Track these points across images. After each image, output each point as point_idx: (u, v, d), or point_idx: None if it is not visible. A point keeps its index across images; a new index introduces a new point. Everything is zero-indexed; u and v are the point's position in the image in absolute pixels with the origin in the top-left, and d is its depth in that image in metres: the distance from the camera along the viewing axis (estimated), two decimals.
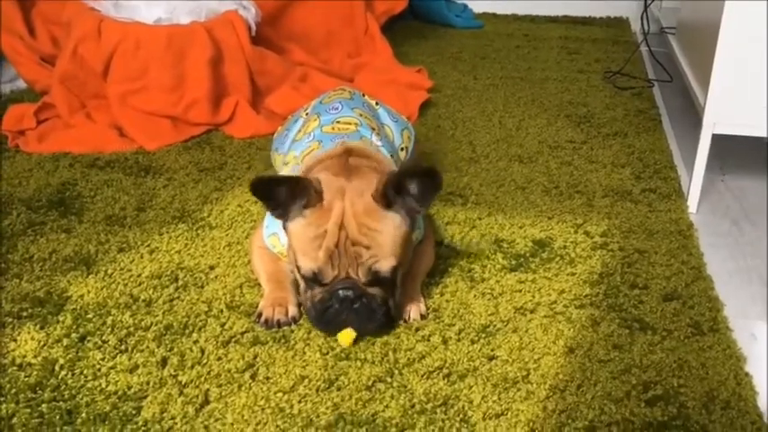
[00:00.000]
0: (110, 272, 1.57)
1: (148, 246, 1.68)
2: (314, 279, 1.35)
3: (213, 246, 1.68)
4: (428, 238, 1.61)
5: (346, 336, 1.34)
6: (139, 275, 1.56)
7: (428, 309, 1.46)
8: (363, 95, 1.90)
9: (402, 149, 1.87)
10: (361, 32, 2.98)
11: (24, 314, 1.42)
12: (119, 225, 1.77)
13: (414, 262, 1.53)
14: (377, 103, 1.91)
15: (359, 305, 1.33)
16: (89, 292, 1.49)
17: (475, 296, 1.51)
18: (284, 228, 1.40)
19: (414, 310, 1.43)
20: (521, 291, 1.52)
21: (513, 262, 1.63)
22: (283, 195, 1.34)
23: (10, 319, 1.40)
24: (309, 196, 1.34)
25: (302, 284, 1.40)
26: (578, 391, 1.24)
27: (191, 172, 2.07)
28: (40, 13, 2.52)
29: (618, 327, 1.41)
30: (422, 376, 1.27)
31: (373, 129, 1.71)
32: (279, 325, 1.39)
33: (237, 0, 2.43)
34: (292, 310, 1.42)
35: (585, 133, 2.38)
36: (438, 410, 1.20)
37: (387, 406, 1.21)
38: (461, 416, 1.18)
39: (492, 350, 1.34)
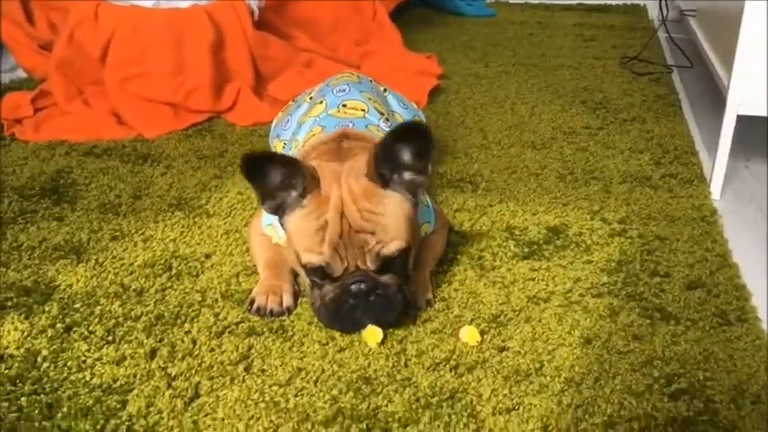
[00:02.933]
0: (101, 260, 1.50)
1: (143, 234, 1.61)
2: (322, 275, 1.26)
3: (210, 234, 1.61)
4: (440, 229, 1.53)
5: (372, 334, 1.25)
6: (132, 264, 1.49)
7: (435, 298, 1.38)
8: (372, 80, 1.83)
9: None
10: (368, 19, 2.90)
11: (9, 304, 1.35)
12: (113, 213, 1.70)
13: (423, 251, 1.45)
14: (385, 90, 1.83)
15: (374, 297, 1.24)
16: (78, 281, 1.42)
17: (485, 285, 1.42)
18: (281, 224, 1.32)
19: (420, 299, 1.35)
20: (534, 279, 1.44)
21: (526, 249, 1.54)
22: (277, 179, 1.25)
23: None
24: (305, 182, 1.25)
25: (308, 283, 1.31)
26: (596, 385, 1.16)
27: (190, 159, 2.00)
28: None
29: (638, 317, 1.32)
30: (428, 369, 1.19)
31: (382, 114, 1.63)
32: (272, 314, 1.32)
33: None
34: (287, 300, 1.34)
35: (602, 119, 2.29)
36: (444, 404, 1.11)
37: (390, 400, 1.13)
38: (469, 410, 1.10)
39: (503, 341, 1.26)
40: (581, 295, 1.39)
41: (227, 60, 2.30)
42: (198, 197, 1.78)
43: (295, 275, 1.39)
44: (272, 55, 2.38)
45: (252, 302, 1.33)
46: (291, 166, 1.24)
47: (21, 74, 2.66)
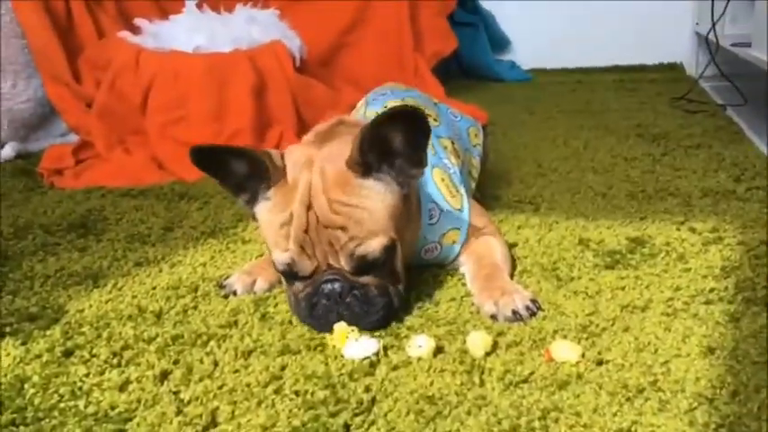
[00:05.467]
0: (119, 285, 1.21)
1: (170, 260, 1.32)
2: (291, 273, 0.99)
3: (245, 258, 1.32)
4: (486, 227, 1.23)
5: (341, 335, 0.96)
6: (154, 288, 1.20)
7: (538, 300, 1.06)
8: (423, 93, 1.57)
9: (475, 146, 1.51)
10: (410, 74, 2.68)
11: (8, 330, 1.06)
12: (140, 242, 1.43)
13: (484, 255, 1.15)
14: (435, 104, 1.56)
15: (351, 299, 0.97)
16: (91, 305, 1.14)
17: (565, 296, 1.09)
18: (254, 218, 1.06)
19: (519, 299, 1.03)
20: (623, 288, 1.10)
21: (608, 259, 1.21)
22: (242, 169, 1.01)
23: None
24: (268, 172, 0.99)
25: (283, 279, 1.06)
26: (734, 400, 0.80)
27: (228, 196, 1.73)
28: (87, 59, 2.30)
29: None
30: (507, 386, 0.85)
31: (428, 116, 1.36)
32: (235, 294, 1.14)
33: (281, 30, 2.16)
34: (260, 284, 1.15)
35: (663, 147, 1.98)
36: (536, 425, 0.77)
37: (462, 423, 0.79)
38: None
39: (599, 353, 0.92)
40: (686, 303, 1.04)
41: (269, 105, 2.08)
42: (234, 226, 1.50)
43: None
44: (314, 99, 2.15)
45: (227, 278, 1.18)
46: (246, 156, 0.99)
47: (72, 138, 2.48)
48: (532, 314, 1.02)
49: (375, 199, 0.98)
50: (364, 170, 0.99)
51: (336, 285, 0.97)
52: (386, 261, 0.99)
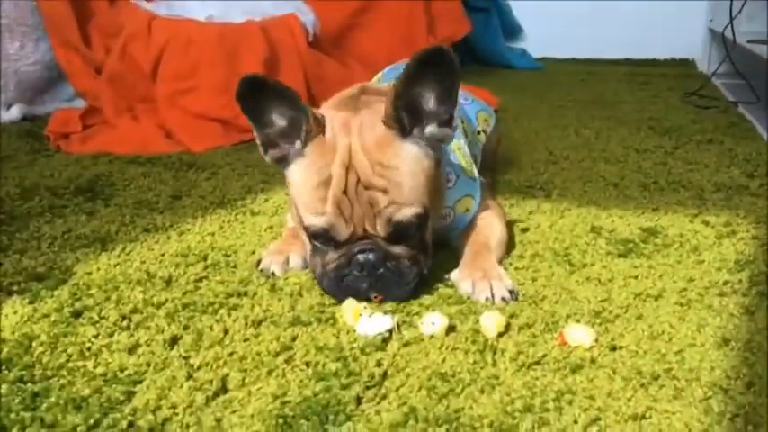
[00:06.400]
0: (128, 250, 1.20)
1: (178, 227, 1.31)
2: (325, 239, 0.98)
3: (254, 229, 1.31)
4: (491, 208, 1.21)
5: (354, 312, 0.94)
6: (162, 254, 1.19)
7: (517, 291, 1.04)
8: None
9: (479, 133, 1.49)
10: None
11: (15, 288, 1.05)
12: (148, 209, 1.42)
13: (480, 232, 1.15)
14: None
15: (383, 270, 0.97)
16: (99, 269, 1.13)
17: (578, 282, 1.08)
18: (285, 175, 1.05)
19: (497, 287, 1.01)
20: (636, 277, 1.10)
21: (621, 247, 1.20)
22: (280, 122, 1.00)
23: None
24: (308, 126, 0.98)
25: (310, 247, 1.04)
26: (749, 391, 0.80)
27: (236, 168, 1.72)
28: (98, 25, 2.27)
29: None
30: (520, 366, 0.85)
31: None
32: (274, 275, 1.09)
33: (295, 4, 2.13)
34: (293, 260, 1.11)
35: (675, 140, 1.96)
36: (551, 406, 0.76)
37: (475, 401, 0.78)
38: (583, 416, 0.75)
39: (612, 339, 0.91)
40: (700, 294, 1.04)
41: (281, 79, 2.02)
42: (242, 198, 1.49)
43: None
44: (326, 76, 2.12)
45: (259, 262, 1.12)
46: (291, 101, 0.97)
47: (79, 103, 2.46)
48: (515, 298, 1.01)
49: (413, 162, 0.99)
50: (401, 131, 0.98)
51: (371, 256, 0.96)
52: (419, 229, 0.99)
